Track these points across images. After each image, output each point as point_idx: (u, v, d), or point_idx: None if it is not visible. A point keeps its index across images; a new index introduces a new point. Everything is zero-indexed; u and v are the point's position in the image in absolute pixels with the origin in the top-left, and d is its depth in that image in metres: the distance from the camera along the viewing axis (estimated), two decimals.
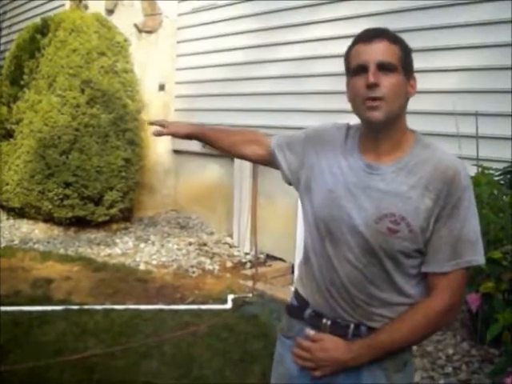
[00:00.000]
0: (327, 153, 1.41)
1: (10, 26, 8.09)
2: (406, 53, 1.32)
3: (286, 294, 3.77)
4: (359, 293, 1.32)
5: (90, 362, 2.96)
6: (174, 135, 1.64)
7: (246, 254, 5.10)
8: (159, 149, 6.29)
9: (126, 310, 3.70)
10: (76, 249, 5.00)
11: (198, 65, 6.01)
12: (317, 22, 4.68)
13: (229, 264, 4.87)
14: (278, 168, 1.53)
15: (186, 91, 6.24)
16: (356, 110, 1.33)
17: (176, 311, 3.74)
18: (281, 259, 4.94)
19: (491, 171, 3.02)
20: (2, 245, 4.97)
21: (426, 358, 3.02)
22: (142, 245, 5.22)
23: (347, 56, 1.34)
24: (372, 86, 1.26)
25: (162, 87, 6.31)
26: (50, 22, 5.73)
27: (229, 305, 3.92)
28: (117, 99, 5.51)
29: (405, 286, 1.32)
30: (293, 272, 4.54)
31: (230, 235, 5.44)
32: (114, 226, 5.68)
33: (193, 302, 3.97)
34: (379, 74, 1.26)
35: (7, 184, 5.57)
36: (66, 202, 5.28)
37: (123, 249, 5.10)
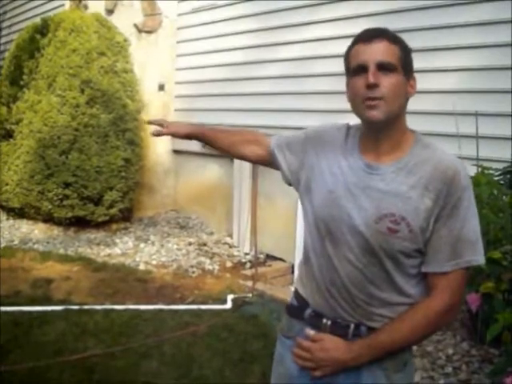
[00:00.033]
0: (327, 153, 1.41)
1: (10, 26, 8.09)
2: (405, 53, 1.32)
3: (286, 294, 3.77)
4: (359, 293, 1.32)
5: (90, 362, 2.96)
6: (174, 135, 1.64)
7: (246, 254, 5.10)
8: (159, 149, 6.29)
9: (125, 310, 3.70)
10: (76, 249, 5.00)
11: (198, 65, 6.01)
12: (316, 22, 4.68)
13: (229, 264, 4.87)
14: (278, 168, 1.53)
15: (186, 91, 6.24)
16: (356, 109, 1.33)
17: (176, 311, 3.74)
18: (281, 259, 4.94)
19: (491, 171, 3.02)
20: (2, 245, 4.97)
21: (426, 358, 3.02)
22: (142, 245, 5.22)
23: (347, 56, 1.34)
24: (372, 87, 1.26)
25: (161, 87, 6.31)
26: (49, 22, 5.73)
27: (229, 305, 3.92)
28: (116, 99, 5.51)
29: (405, 286, 1.32)
30: (293, 272, 4.54)
31: (230, 235, 5.44)
32: (114, 226, 5.68)
33: (192, 302, 3.97)
34: (379, 74, 1.26)
35: (7, 184, 5.57)
36: (65, 202, 5.28)
37: (123, 249, 5.10)
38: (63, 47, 5.46)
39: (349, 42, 1.35)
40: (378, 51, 1.27)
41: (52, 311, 3.59)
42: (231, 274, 4.64)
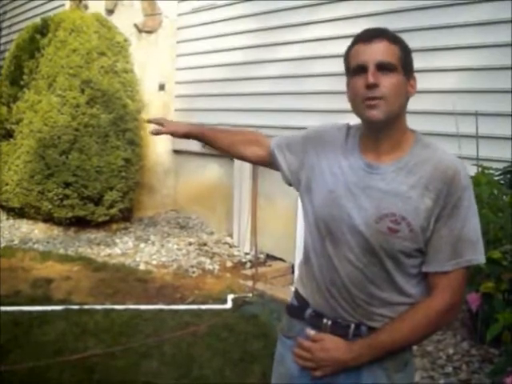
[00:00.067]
0: (327, 153, 1.41)
1: (10, 25, 8.09)
2: (405, 53, 1.32)
3: (286, 294, 3.78)
4: (360, 292, 1.32)
5: (90, 361, 2.96)
6: (173, 134, 1.63)
7: (246, 253, 5.10)
8: (159, 149, 6.29)
9: (125, 309, 3.70)
10: (76, 249, 5.00)
11: (198, 65, 6.01)
12: (316, 22, 4.68)
13: (229, 264, 4.87)
14: (278, 169, 1.53)
15: (186, 91, 6.24)
16: (356, 109, 1.33)
17: (176, 311, 3.74)
18: (281, 259, 4.94)
19: (491, 171, 3.02)
20: (2, 245, 4.97)
21: (426, 358, 3.02)
22: (142, 245, 5.22)
23: (347, 56, 1.34)
24: (371, 87, 1.26)
25: (161, 87, 6.31)
26: (49, 22, 5.73)
27: (229, 305, 3.92)
28: (117, 99, 5.51)
29: (405, 286, 1.32)
30: (293, 272, 4.54)
31: (230, 235, 5.44)
32: (114, 226, 5.68)
33: (193, 302, 3.97)
34: (379, 74, 1.26)
35: (7, 184, 5.57)
36: (65, 202, 5.28)
37: (123, 249, 5.10)
38: (63, 47, 5.46)
39: (348, 41, 1.35)
40: (377, 51, 1.27)
41: (52, 311, 3.59)
42: (231, 274, 4.64)
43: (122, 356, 3.04)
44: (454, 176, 1.27)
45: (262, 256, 5.00)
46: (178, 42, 6.32)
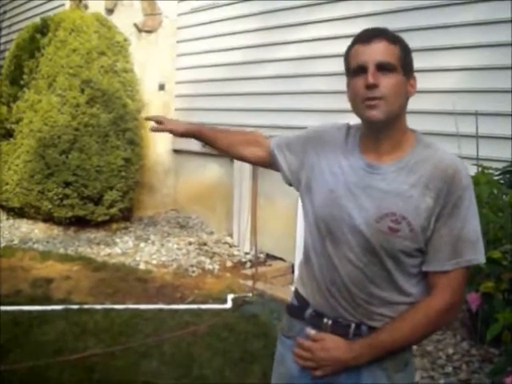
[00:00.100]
0: (327, 153, 1.41)
1: (10, 25, 8.09)
2: (405, 52, 1.32)
3: (286, 294, 3.78)
4: (360, 292, 1.33)
5: (89, 361, 2.96)
6: (172, 132, 1.63)
7: (246, 253, 5.10)
8: (159, 148, 6.29)
9: (125, 309, 3.70)
10: (76, 248, 5.00)
11: (198, 64, 6.01)
12: (315, 21, 4.68)
13: (229, 263, 4.88)
14: (278, 169, 1.53)
15: (186, 91, 6.24)
16: (356, 109, 1.33)
17: (176, 311, 3.74)
18: (281, 259, 4.94)
19: (491, 171, 3.02)
20: (2, 245, 4.97)
21: (426, 358, 3.02)
22: (142, 244, 5.22)
23: (347, 56, 1.34)
24: (371, 87, 1.26)
25: (161, 87, 6.31)
26: (49, 21, 5.73)
27: (229, 304, 3.92)
28: (117, 99, 5.51)
29: (405, 285, 1.32)
30: (293, 272, 4.54)
31: (230, 235, 5.44)
32: (114, 226, 5.68)
33: (193, 302, 3.97)
34: (378, 74, 1.26)
35: (7, 184, 5.57)
36: (65, 202, 5.28)
37: (123, 248, 5.10)
38: (63, 47, 5.46)
39: (347, 41, 1.35)
40: (377, 51, 1.27)
41: (52, 311, 3.59)
42: (231, 274, 4.64)
43: (122, 356, 3.04)
44: (454, 175, 1.27)
45: (261, 256, 5.00)
46: (177, 42, 6.32)
